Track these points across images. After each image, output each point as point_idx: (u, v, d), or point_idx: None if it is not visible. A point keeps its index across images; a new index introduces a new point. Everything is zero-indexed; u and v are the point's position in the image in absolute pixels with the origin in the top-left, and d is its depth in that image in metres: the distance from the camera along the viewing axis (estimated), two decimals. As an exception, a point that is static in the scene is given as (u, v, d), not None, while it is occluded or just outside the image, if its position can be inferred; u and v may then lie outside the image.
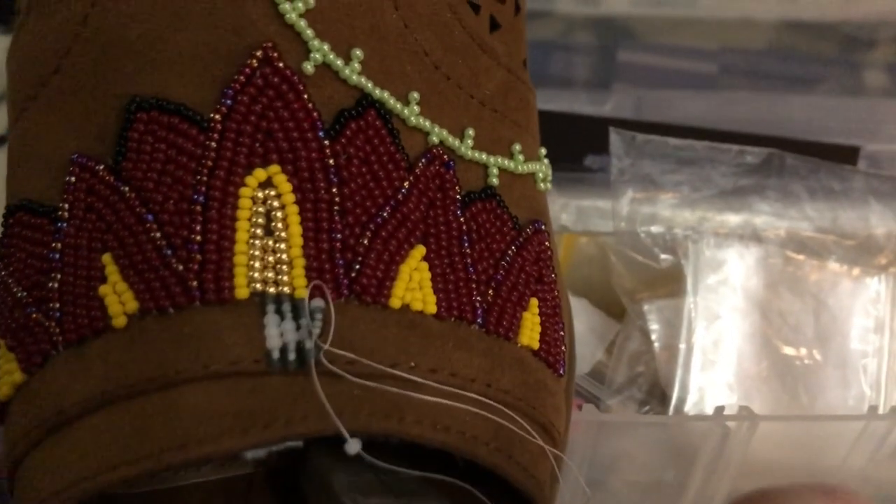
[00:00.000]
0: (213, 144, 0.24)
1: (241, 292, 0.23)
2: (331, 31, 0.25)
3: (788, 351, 0.43)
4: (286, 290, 0.23)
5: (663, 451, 0.39)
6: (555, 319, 0.28)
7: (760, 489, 0.38)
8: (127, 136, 0.24)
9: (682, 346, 0.42)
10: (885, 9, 0.60)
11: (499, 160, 0.28)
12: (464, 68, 0.27)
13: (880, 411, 0.41)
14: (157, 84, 0.24)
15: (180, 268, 0.23)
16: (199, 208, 0.23)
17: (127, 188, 0.24)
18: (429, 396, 0.23)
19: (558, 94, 0.59)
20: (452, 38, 0.27)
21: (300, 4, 0.24)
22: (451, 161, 0.26)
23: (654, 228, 0.45)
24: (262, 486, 0.30)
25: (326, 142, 0.24)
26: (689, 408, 0.41)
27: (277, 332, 0.22)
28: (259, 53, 0.24)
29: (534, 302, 0.27)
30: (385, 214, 0.24)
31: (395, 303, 0.24)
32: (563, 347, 0.28)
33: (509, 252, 0.27)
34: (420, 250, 0.25)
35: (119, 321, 0.23)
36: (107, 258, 0.24)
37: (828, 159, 0.47)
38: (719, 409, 0.36)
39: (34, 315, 0.24)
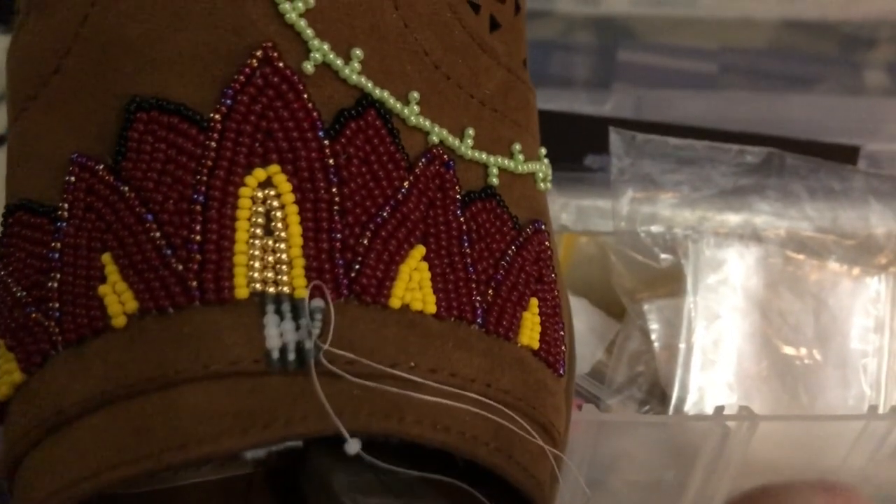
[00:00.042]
0: (213, 144, 0.24)
1: (241, 292, 0.23)
2: (331, 31, 0.25)
3: (788, 351, 0.43)
4: (286, 290, 0.23)
5: (663, 451, 0.39)
6: (555, 319, 0.28)
7: (761, 486, 0.38)
8: (127, 136, 0.24)
9: (682, 345, 0.42)
10: (885, 9, 0.60)
11: (499, 160, 0.28)
12: (464, 68, 0.27)
13: (880, 411, 0.41)
14: (157, 84, 0.24)
15: (180, 268, 0.23)
16: (198, 208, 0.23)
17: (127, 188, 0.24)
18: (429, 396, 0.23)
19: (558, 93, 0.59)
20: (452, 38, 0.27)
21: (300, 4, 0.24)
22: (450, 161, 0.26)
23: (654, 228, 0.45)
24: (261, 486, 0.30)
25: (326, 141, 0.24)
26: (689, 407, 0.41)
27: (277, 332, 0.22)
28: (259, 53, 0.24)
29: (534, 302, 0.27)
30: (385, 214, 0.24)
31: (395, 303, 0.24)
32: (563, 347, 0.28)
33: (509, 252, 0.27)
34: (420, 250, 0.25)
35: (119, 321, 0.23)
36: (106, 258, 0.24)
37: (828, 159, 0.47)
38: (719, 409, 0.36)
39: (34, 315, 0.24)
